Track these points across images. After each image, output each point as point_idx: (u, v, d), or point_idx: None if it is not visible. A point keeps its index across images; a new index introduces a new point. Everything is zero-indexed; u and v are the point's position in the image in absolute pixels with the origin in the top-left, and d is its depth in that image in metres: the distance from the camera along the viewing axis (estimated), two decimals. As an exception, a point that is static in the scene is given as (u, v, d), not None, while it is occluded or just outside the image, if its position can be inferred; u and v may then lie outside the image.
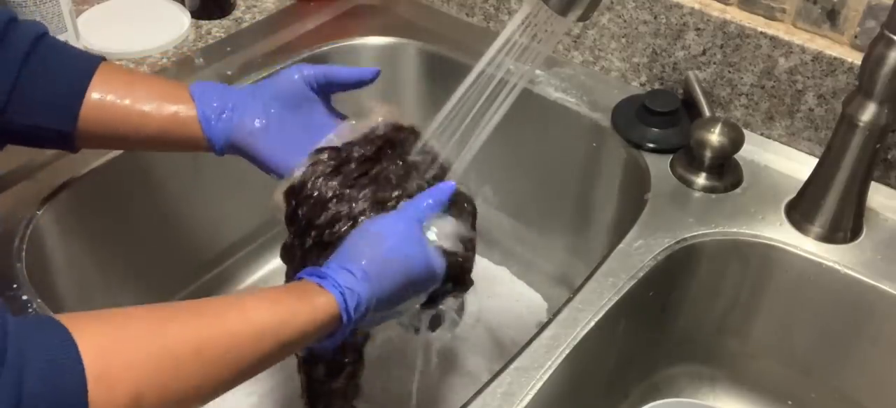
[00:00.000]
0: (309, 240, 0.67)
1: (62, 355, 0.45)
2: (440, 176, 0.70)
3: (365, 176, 0.68)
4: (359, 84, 0.72)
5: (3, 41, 0.65)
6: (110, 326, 0.49)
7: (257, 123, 0.69)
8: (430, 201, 0.65)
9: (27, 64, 0.65)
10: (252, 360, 0.54)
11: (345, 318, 0.58)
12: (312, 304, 0.57)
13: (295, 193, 0.68)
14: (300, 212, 0.68)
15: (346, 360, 0.73)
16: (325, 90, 0.72)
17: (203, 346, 0.51)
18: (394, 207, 0.67)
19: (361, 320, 0.60)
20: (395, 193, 0.67)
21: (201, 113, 0.69)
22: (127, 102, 0.68)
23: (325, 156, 0.68)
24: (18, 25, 0.66)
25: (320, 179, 0.67)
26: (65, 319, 0.48)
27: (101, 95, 0.67)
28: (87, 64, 0.68)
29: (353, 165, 0.68)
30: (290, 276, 0.71)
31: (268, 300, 0.57)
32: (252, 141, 0.69)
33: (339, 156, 0.68)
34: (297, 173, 0.68)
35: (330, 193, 0.67)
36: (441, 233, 0.65)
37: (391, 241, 0.62)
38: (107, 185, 0.84)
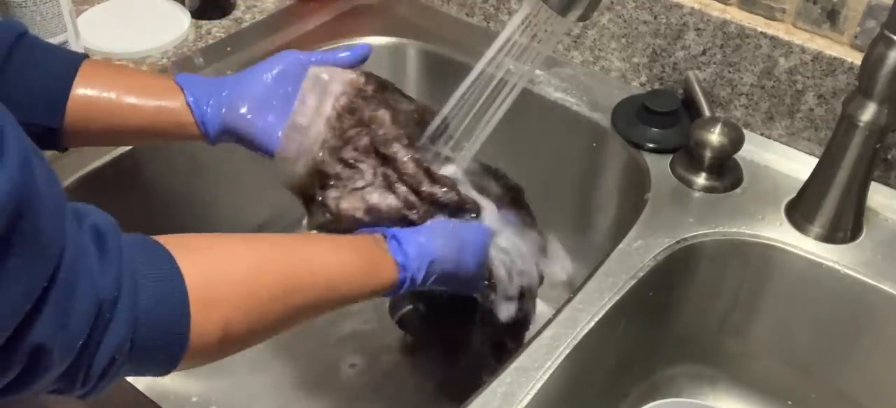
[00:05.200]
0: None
1: (170, 275, 0.49)
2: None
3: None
4: (351, 66, 0.74)
5: None
6: (209, 253, 0.53)
7: (249, 102, 0.69)
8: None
9: (10, 63, 0.64)
10: (325, 294, 0.60)
11: (400, 258, 0.63)
12: (376, 241, 0.64)
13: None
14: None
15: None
16: None
17: (289, 280, 0.57)
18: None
19: (423, 272, 0.65)
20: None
21: (191, 99, 0.68)
22: (113, 95, 0.67)
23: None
24: None
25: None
26: (165, 240, 0.51)
27: (86, 90, 0.67)
28: (70, 60, 0.68)
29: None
30: None
31: (334, 242, 0.64)
32: (245, 121, 0.69)
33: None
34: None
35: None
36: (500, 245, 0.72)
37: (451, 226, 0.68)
38: (106, 184, 0.84)
